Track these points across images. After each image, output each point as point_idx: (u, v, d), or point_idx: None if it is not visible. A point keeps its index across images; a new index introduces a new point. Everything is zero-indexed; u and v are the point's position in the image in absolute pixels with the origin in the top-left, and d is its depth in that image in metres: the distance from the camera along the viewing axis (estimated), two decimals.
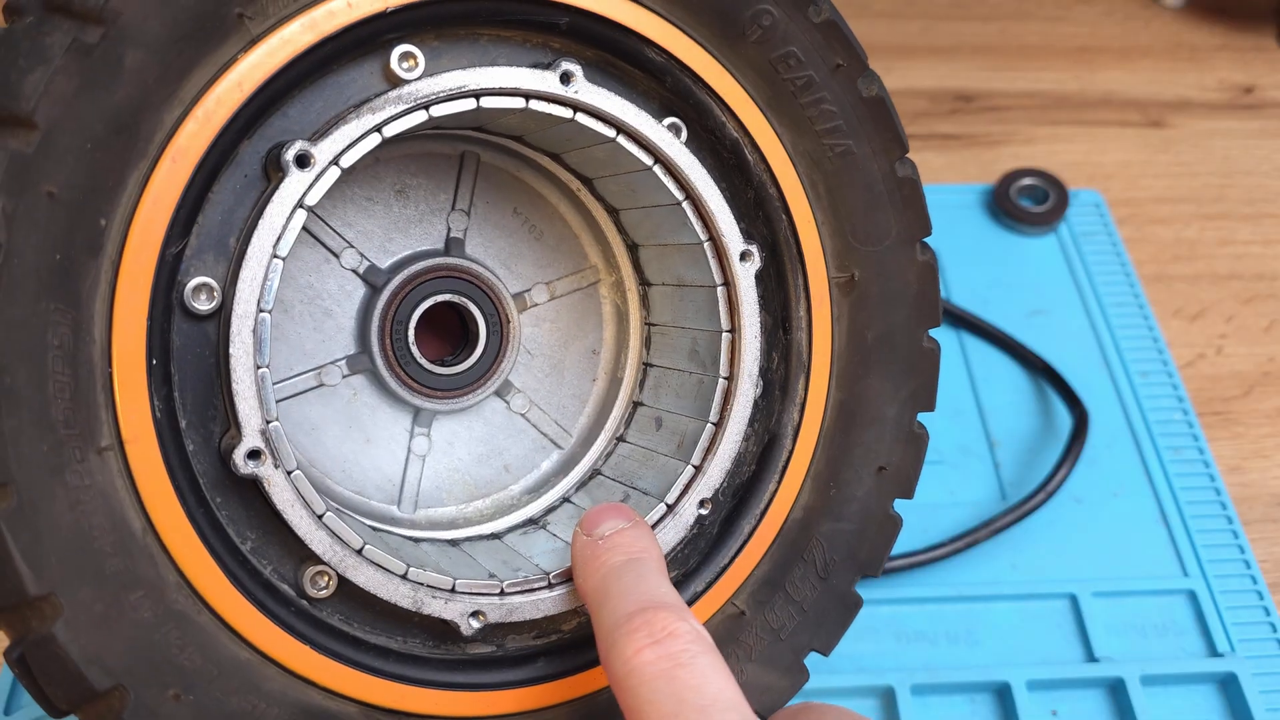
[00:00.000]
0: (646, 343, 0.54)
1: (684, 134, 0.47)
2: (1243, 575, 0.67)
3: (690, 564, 0.48)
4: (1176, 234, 0.89)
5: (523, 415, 0.53)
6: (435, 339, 0.51)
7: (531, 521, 0.52)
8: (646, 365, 0.54)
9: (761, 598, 0.49)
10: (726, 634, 0.48)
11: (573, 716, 0.46)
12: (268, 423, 0.40)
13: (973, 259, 0.84)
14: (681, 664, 0.35)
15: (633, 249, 0.53)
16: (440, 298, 0.49)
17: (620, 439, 0.54)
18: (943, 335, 0.79)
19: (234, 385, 0.40)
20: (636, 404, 0.54)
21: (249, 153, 0.40)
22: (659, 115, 0.46)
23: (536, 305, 0.53)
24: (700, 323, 0.50)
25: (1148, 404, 0.75)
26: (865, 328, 0.50)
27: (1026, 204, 0.87)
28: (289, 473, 0.41)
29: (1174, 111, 0.99)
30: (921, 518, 0.69)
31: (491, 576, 0.46)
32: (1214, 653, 0.64)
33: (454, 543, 0.50)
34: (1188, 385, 0.77)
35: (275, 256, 0.40)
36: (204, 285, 0.40)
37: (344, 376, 0.48)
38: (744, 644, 0.48)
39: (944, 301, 0.79)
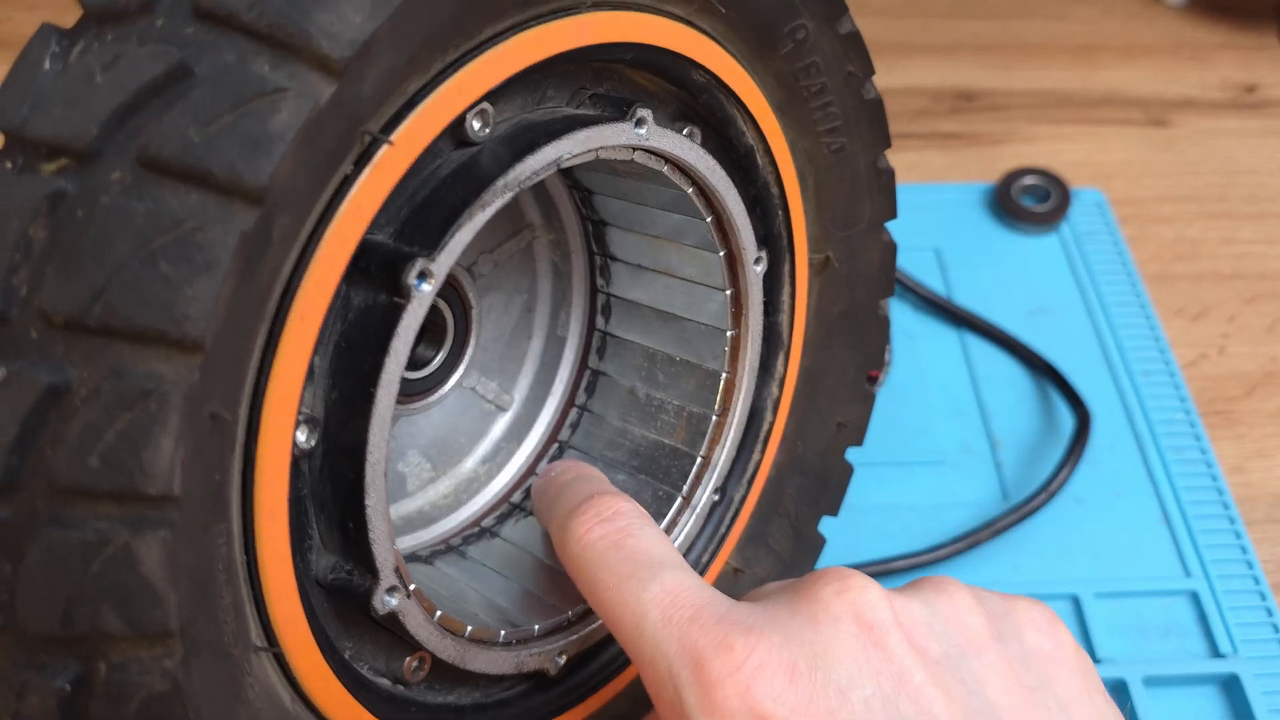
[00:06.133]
0: (603, 311, 0.53)
1: (698, 138, 0.46)
2: (1245, 576, 0.67)
3: (702, 539, 0.51)
4: (1179, 233, 0.89)
5: (472, 389, 0.52)
6: None
7: (517, 508, 0.52)
8: (605, 334, 0.53)
9: (749, 554, 0.52)
10: (726, 591, 0.49)
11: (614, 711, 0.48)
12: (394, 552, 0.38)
13: (974, 258, 0.84)
14: (629, 534, 0.40)
15: (598, 224, 0.52)
16: None
17: (583, 408, 0.53)
18: (944, 335, 0.79)
19: (370, 533, 0.36)
20: (596, 372, 0.53)
21: None
22: (675, 120, 0.45)
23: (483, 277, 0.52)
24: (694, 314, 0.50)
25: (1150, 404, 0.75)
26: (832, 303, 0.52)
27: (1028, 203, 0.87)
28: (413, 593, 0.39)
29: (1176, 110, 0.99)
30: (922, 518, 0.69)
31: (553, 606, 0.46)
32: (1216, 654, 0.63)
33: (460, 553, 0.50)
34: (1190, 385, 0.77)
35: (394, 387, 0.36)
36: (306, 419, 0.35)
37: None
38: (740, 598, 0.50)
39: (945, 301, 0.79)
